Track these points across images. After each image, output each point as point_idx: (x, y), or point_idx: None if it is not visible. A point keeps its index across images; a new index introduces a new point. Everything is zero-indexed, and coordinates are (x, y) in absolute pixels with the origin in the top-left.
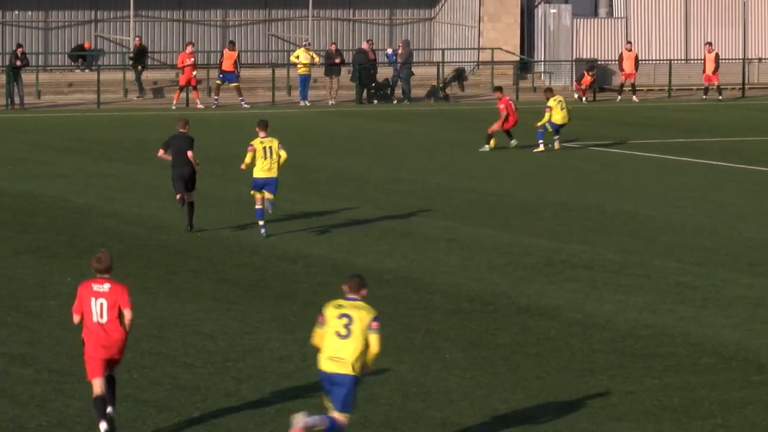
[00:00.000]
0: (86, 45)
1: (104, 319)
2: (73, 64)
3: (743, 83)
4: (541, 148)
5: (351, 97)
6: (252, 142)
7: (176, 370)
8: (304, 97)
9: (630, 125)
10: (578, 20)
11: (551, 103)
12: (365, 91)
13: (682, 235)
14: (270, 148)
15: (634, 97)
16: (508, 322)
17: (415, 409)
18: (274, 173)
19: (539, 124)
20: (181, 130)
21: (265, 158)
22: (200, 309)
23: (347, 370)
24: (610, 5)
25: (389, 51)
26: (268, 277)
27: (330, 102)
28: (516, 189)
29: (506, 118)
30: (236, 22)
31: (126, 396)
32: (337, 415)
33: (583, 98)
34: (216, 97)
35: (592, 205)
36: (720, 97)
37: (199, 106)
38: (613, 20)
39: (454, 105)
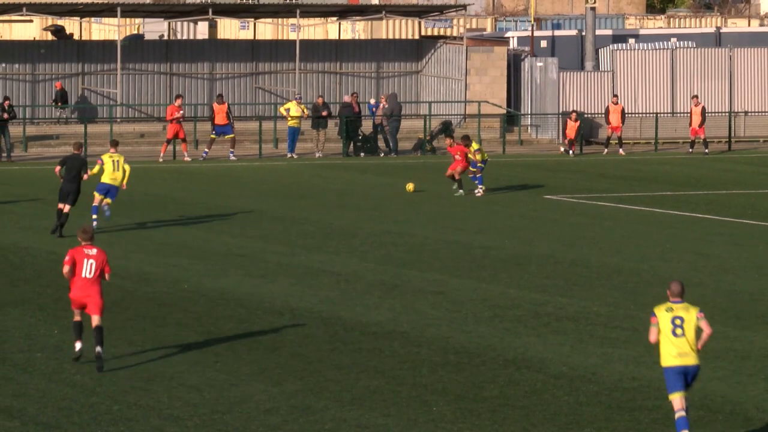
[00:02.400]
0: (57, 85)
1: (91, 275)
2: (56, 106)
3: (729, 137)
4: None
5: (338, 150)
6: (102, 157)
7: (162, 422)
8: (292, 149)
9: (616, 178)
10: (564, 73)
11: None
12: (351, 144)
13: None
14: (118, 161)
15: (621, 150)
16: (494, 375)
17: None
18: (117, 183)
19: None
20: (75, 152)
21: (114, 170)
22: (186, 361)
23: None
24: (597, 58)
25: (372, 101)
26: (254, 329)
27: (317, 155)
28: (503, 242)
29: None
30: (223, 75)
31: None
32: None
33: (570, 152)
34: (206, 150)
35: (579, 258)
36: (706, 151)
37: (186, 159)
38: (599, 74)
39: (441, 158)
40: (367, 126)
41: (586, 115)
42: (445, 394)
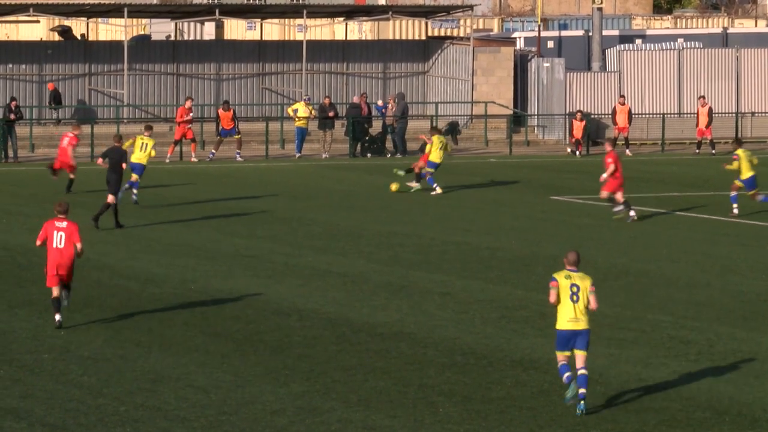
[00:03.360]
0: (50, 86)
1: (62, 245)
2: (49, 107)
3: (736, 137)
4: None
5: (345, 150)
6: (136, 136)
7: (169, 423)
8: (299, 149)
9: (624, 179)
10: (571, 74)
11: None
12: (358, 145)
13: (675, 289)
14: (146, 144)
15: (627, 151)
16: (501, 376)
17: None
18: (143, 161)
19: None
20: (116, 144)
21: (140, 150)
22: (193, 362)
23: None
24: (603, 59)
25: (380, 103)
26: (261, 330)
27: (324, 155)
28: (510, 243)
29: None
30: (230, 76)
31: None
32: None
33: (577, 152)
34: (213, 151)
35: (586, 258)
36: (713, 151)
37: (194, 159)
38: (606, 74)
39: (448, 158)
40: (377, 127)
41: (592, 116)
42: (451, 395)
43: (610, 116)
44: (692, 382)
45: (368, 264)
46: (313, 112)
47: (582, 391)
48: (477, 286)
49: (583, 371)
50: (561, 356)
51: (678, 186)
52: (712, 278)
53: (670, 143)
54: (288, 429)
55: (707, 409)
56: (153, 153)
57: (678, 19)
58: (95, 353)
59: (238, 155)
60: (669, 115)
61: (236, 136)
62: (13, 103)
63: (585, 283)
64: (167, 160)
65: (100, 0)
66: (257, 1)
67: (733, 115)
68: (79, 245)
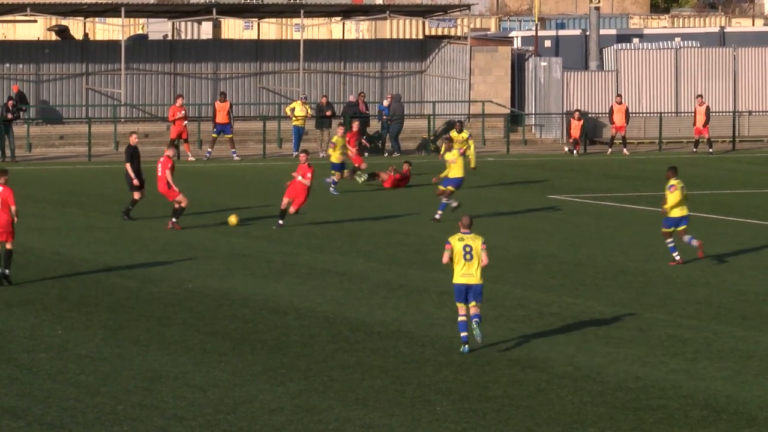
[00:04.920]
0: (14, 87)
1: None
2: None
3: (734, 136)
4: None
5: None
6: None
7: (167, 422)
8: (296, 147)
9: (620, 178)
10: (569, 73)
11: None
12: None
13: (673, 287)
14: None
15: (625, 150)
16: (499, 375)
17: None
18: None
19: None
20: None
21: None
22: (191, 361)
23: None
24: (601, 58)
25: (385, 103)
26: (258, 329)
27: (321, 154)
28: (508, 241)
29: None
30: (227, 75)
31: None
32: None
33: (575, 151)
34: (209, 150)
35: (584, 257)
36: (710, 150)
37: (191, 158)
38: (603, 73)
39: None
40: (374, 126)
41: (590, 115)
42: (449, 393)
43: (607, 115)
44: (690, 380)
45: (366, 263)
46: (309, 111)
47: (476, 320)
48: None
49: (476, 313)
50: (460, 308)
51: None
52: (710, 277)
53: (668, 142)
54: (286, 428)
55: (705, 407)
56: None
57: (675, 18)
58: (93, 352)
59: (234, 154)
60: (666, 114)
61: (228, 136)
62: (10, 102)
63: (476, 243)
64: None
65: (97, 0)
66: (254, 1)
67: (731, 114)
68: (13, 208)
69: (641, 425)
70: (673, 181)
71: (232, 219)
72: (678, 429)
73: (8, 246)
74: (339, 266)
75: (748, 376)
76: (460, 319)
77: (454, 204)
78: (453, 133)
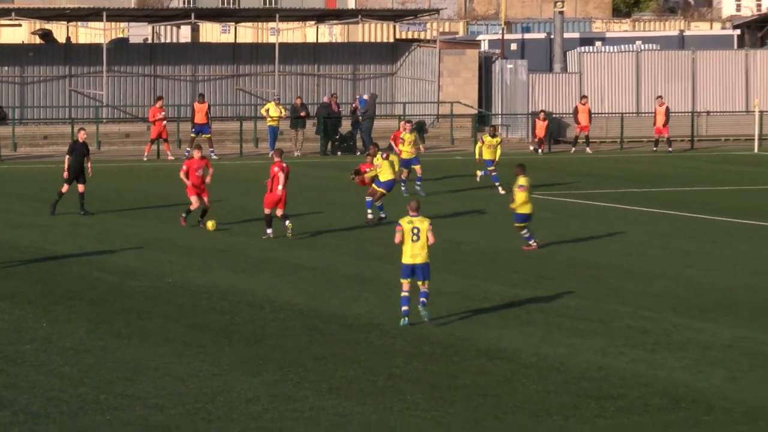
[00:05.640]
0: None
1: None
2: None
3: (692, 136)
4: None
5: (316, 149)
6: None
7: (148, 411)
8: (272, 146)
9: (584, 176)
10: (534, 75)
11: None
12: (329, 143)
13: (633, 280)
14: None
15: (588, 149)
16: (467, 365)
17: None
18: None
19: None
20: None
21: None
22: (171, 353)
23: None
24: (565, 61)
25: (365, 97)
26: (236, 322)
27: (296, 153)
28: (474, 237)
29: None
30: (205, 77)
31: None
32: None
33: (539, 150)
34: (188, 149)
35: (547, 252)
36: (670, 149)
37: (170, 157)
38: (567, 75)
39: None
40: (347, 126)
41: (554, 115)
42: (419, 383)
43: (571, 116)
44: (650, 370)
45: (338, 257)
46: (284, 111)
47: (423, 299)
48: (443, 279)
49: (424, 291)
50: (405, 284)
51: (636, 182)
52: (669, 269)
53: (629, 141)
54: (262, 416)
55: (664, 396)
56: None
57: (636, 22)
58: (76, 344)
59: (212, 153)
60: (628, 114)
61: (206, 135)
62: None
63: (424, 225)
64: (145, 158)
65: (80, 4)
66: (231, 5)
67: (690, 114)
68: None
69: (603, 413)
70: (521, 181)
71: (210, 225)
72: (639, 417)
73: None
74: (312, 261)
75: (706, 365)
76: (403, 294)
77: (418, 187)
78: (404, 134)
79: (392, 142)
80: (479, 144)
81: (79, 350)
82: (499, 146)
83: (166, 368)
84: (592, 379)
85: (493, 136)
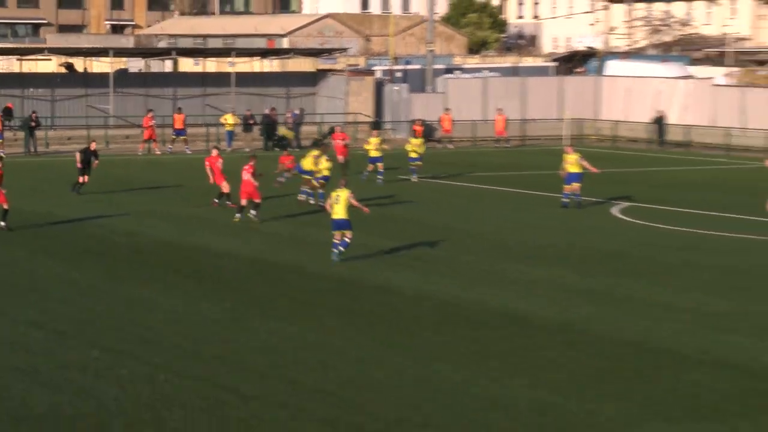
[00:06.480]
0: (9, 105)
1: None
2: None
3: (523, 136)
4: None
5: (260, 145)
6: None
7: (142, 331)
8: (229, 145)
9: (447, 164)
10: (413, 94)
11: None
12: (269, 142)
13: (480, 239)
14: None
15: (450, 145)
16: (368, 297)
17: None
18: None
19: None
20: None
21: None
22: (158, 290)
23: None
24: (434, 84)
25: (297, 111)
26: (203, 267)
27: (246, 149)
28: (379, 205)
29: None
30: (182, 96)
31: (102, 347)
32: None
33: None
34: (170, 147)
35: (421, 218)
36: (507, 145)
37: (158, 152)
38: (435, 94)
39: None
40: (280, 130)
41: (427, 122)
42: (333, 310)
43: (437, 122)
44: (494, 300)
45: (279, 225)
46: (238, 120)
47: (342, 246)
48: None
49: (344, 241)
50: (336, 235)
51: (485, 168)
52: (507, 234)
53: (479, 140)
54: (220, 333)
55: (503, 315)
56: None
57: (484, 57)
58: (91, 284)
59: (187, 150)
60: (478, 121)
61: (183, 137)
62: (34, 114)
63: (344, 194)
64: (140, 153)
65: (94, 45)
66: (201, 46)
67: (521, 121)
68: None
69: (455, 328)
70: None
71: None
72: (477, 333)
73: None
74: (263, 227)
75: (528, 296)
76: (334, 241)
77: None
78: (371, 138)
79: (333, 142)
80: (408, 145)
81: (93, 289)
82: (423, 144)
83: (153, 302)
84: (454, 305)
85: (416, 137)
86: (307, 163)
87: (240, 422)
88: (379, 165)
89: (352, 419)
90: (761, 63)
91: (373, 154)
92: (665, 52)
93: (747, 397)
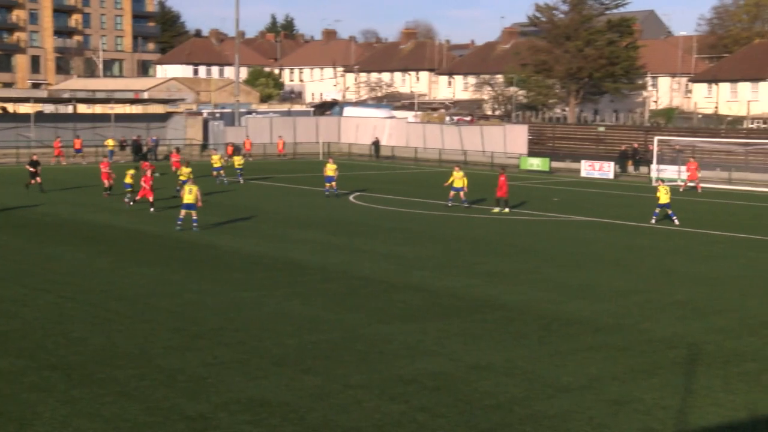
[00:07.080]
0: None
1: None
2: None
3: (294, 153)
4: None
5: (131, 159)
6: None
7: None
8: (110, 159)
9: (253, 171)
10: (227, 127)
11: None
12: (136, 157)
13: (274, 215)
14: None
15: (250, 158)
16: (197, 251)
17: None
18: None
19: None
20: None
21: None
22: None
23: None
24: (240, 121)
25: (154, 138)
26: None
27: (122, 161)
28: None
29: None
30: (80, 128)
31: (27, 286)
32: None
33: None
34: (71, 160)
35: (235, 203)
36: (285, 158)
37: (63, 163)
38: (241, 127)
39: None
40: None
41: (236, 144)
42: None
43: (242, 145)
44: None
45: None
46: (116, 142)
47: (194, 225)
48: (206, 219)
49: (195, 218)
50: (182, 213)
51: (273, 173)
52: (290, 212)
53: (268, 155)
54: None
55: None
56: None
57: (270, 105)
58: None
59: (83, 162)
60: (267, 143)
61: (80, 154)
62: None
63: (194, 187)
64: (52, 164)
65: (20, 95)
66: (91, 96)
67: (293, 143)
68: None
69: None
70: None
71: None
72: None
73: None
74: (132, 210)
75: (302, 250)
76: (180, 217)
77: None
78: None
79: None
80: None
81: (21, 250)
82: (242, 158)
83: (61, 256)
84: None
85: (236, 155)
86: (127, 178)
87: (119, 333)
88: (221, 172)
89: (190, 328)
90: (434, 109)
91: (216, 164)
92: (378, 102)
93: (431, 308)
